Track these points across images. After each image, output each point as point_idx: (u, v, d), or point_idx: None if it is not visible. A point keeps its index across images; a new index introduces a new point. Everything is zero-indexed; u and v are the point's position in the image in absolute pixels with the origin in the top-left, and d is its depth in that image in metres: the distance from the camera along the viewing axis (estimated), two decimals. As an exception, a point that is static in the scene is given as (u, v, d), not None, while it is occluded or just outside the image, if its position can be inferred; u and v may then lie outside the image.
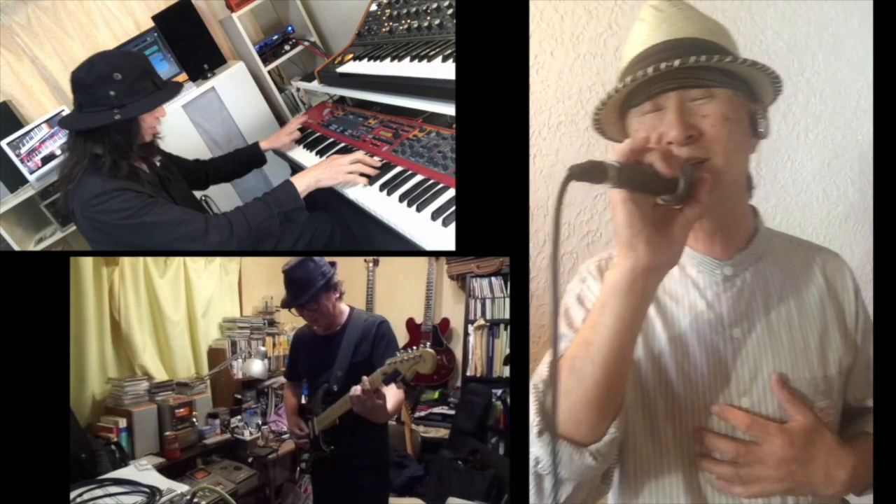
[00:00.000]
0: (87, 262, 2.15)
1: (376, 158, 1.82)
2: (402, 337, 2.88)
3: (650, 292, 0.77)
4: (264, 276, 3.06)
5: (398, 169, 1.73)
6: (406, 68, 1.83)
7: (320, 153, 2.16)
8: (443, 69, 1.67)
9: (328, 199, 1.89)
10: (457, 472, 2.30)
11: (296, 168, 2.36)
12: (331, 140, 2.21)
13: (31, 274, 1.21)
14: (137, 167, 1.70)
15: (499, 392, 2.57)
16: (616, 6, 1.55)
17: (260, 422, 2.60)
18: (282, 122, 3.27)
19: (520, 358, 1.19)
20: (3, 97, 2.93)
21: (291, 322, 2.86)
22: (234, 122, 3.15)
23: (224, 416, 2.45)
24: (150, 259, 2.39)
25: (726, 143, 0.83)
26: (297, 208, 1.70)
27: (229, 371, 2.64)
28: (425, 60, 1.78)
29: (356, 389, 1.45)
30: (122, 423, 2.06)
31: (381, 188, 1.68)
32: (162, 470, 1.90)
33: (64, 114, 2.65)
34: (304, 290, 1.60)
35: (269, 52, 3.21)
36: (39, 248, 2.98)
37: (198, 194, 2.27)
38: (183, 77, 3.08)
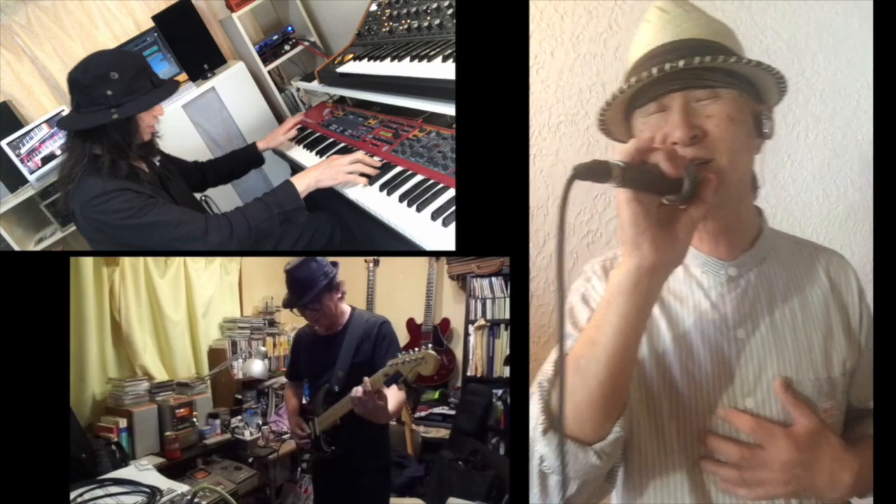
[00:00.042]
0: (88, 262, 2.15)
1: (376, 158, 1.82)
2: (402, 337, 2.87)
3: (655, 292, 0.77)
4: (265, 276, 3.06)
5: (398, 169, 1.73)
6: (406, 68, 1.83)
7: (320, 153, 2.16)
8: (443, 69, 1.67)
9: (328, 199, 1.89)
10: (457, 473, 2.30)
11: (296, 168, 2.36)
12: (331, 140, 2.21)
13: (31, 274, 1.21)
14: (137, 167, 1.70)
15: (499, 392, 2.57)
16: (616, 6, 1.55)
17: (260, 422, 2.60)
18: (282, 122, 3.26)
19: (520, 358, 1.19)
20: (3, 97, 2.93)
21: (292, 322, 2.87)
22: (234, 122, 3.15)
23: (224, 416, 2.45)
24: (150, 259, 2.39)
25: (731, 144, 0.83)
26: (297, 208, 1.70)
27: (230, 371, 2.64)
28: (425, 60, 1.78)
29: (357, 391, 1.45)
30: (123, 423, 2.06)
31: (381, 188, 1.68)
32: (162, 470, 1.91)
33: (64, 114, 2.65)
34: (307, 290, 1.60)
35: (269, 52, 3.20)
36: (39, 248, 2.98)
37: (197, 195, 2.27)
38: (183, 77, 3.08)
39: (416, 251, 1.46)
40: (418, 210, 1.51)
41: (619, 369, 0.78)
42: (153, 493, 1.66)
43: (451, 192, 1.51)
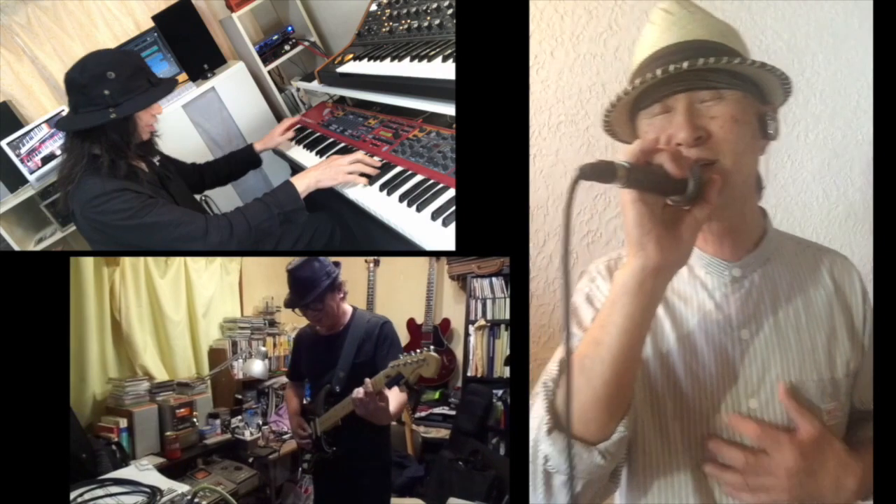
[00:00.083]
0: (88, 262, 2.15)
1: (376, 158, 1.82)
2: (403, 337, 2.86)
3: (659, 292, 0.77)
4: (265, 276, 3.06)
5: (398, 169, 1.73)
6: (406, 68, 1.83)
7: (320, 153, 2.16)
8: (443, 69, 1.67)
9: (328, 200, 1.89)
10: (457, 473, 2.30)
11: (296, 168, 2.36)
12: (331, 140, 2.21)
13: (31, 274, 1.21)
14: (136, 166, 1.70)
15: (499, 392, 2.57)
16: (616, 6, 1.55)
17: (260, 422, 2.60)
18: (282, 122, 3.26)
19: (520, 358, 1.19)
20: (3, 97, 2.93)
21: (292, 322, 2.87)
22: (234, 122, 3.15)
23: (225, 416, 2.45)
24: (150, 259, 2.39)
25: (735, 145, 0.83)
26: (297, 209, 1.70)
27: (230, 371, 2.64)
28: (425, 60, 1.78)
29: (359, 392, 1.45)
30: (123, 423, 2.06)
31: (381, 188, 1.68)
32: (162, 470, 1.91)
33: (63, 114, 2.65)
34: (310, 290, 1.60)
35: (269, 52, 3.20)
36: (39, 248, 2.97)
37: (197, 195, 2.27)
38: (183, 77, 3.08)
39: (417, 251, 1.46)
40: (418, 210, 1.51)
41: (624, 369, 0.78)
42: (153, 493, 1.66)
43: (451, 192, 1.51)
